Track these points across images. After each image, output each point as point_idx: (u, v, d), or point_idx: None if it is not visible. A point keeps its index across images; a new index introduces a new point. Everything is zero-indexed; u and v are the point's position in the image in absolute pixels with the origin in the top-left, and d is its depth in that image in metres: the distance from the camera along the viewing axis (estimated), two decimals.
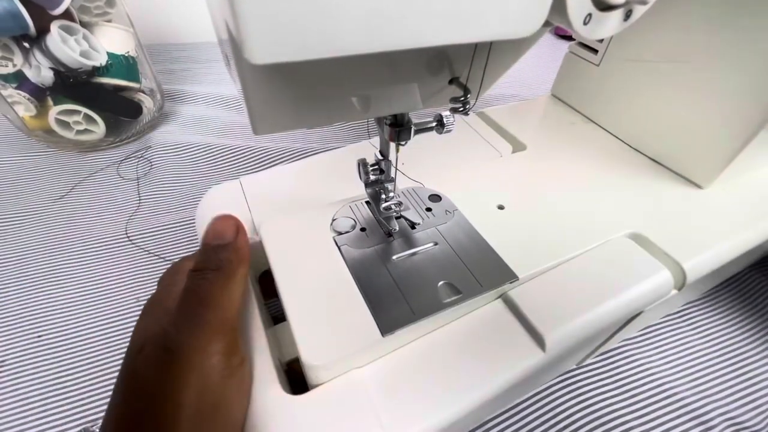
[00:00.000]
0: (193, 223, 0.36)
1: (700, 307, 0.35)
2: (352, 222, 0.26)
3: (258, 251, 0.24)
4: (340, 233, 0.25)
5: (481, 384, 0.20)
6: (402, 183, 0.28)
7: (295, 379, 0.21)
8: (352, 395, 0.19)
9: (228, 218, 0.22)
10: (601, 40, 0.35)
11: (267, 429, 0.18)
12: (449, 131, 0.21)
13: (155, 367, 0.17)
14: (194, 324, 0.18)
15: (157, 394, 0.16)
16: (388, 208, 0.24)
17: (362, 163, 0.24)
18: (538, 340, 0.21)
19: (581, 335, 0.22)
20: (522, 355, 0.21)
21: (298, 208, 0.27)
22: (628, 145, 0.34)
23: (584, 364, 0.30)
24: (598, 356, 0.31)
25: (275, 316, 0.29)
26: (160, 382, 0.17)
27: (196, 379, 0.17)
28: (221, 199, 0.29)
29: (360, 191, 0.26)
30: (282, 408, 0.18)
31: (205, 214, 0.27)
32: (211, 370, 0.17)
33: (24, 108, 0.42)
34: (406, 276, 0.23)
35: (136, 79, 0.48)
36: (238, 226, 0.22)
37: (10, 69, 0.39)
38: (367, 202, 0.27)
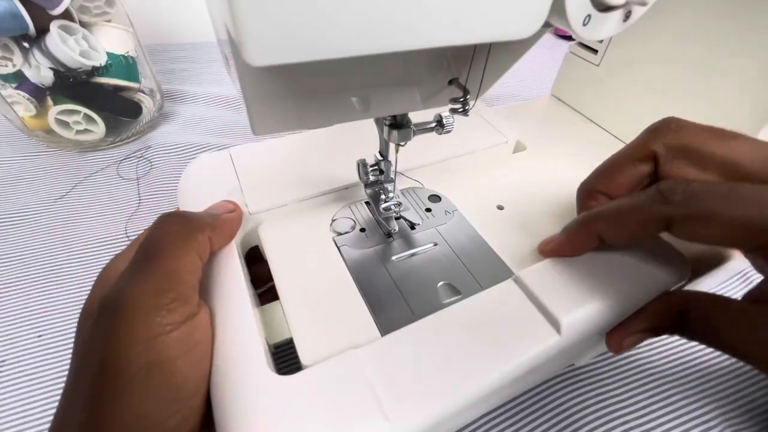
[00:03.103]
0: None
1: None
2: (352, 222, 0.26)
3: (248, 225, 0.25)
4: (339, 234, 0.25)
5: (495, 367, 0.18)
6: (402, 183, 0.28)
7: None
8: (349, 377, 0.17)
9: (229, 202, 0.23)
10: (601, 41, 0.35)
11: (254, 410, 0.16)
12: (449, 132, 0.21)
13: (99, 325, 0.16)
14: (137, 273, 0.17)
15: (104, 355, 0.16)
16: (387, 209, 0.24)
17: (362, 164, 0.24)
18: (553, 322, 0.20)
19: (597, 321, 0.20)
20: (537, 338, 0.19)
21: (289, 182, 0.26)
22: None
23: (584, 363, 0.30)
24: (598, 356, 0.31)
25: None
26: (106, 339, 0.16)
27: (140, 332, 0.16)
28: (208, 169, 0.27)
29: (352, 164, 0.25)
30: (270, 389, 0.17)
31: (190, 183, 0.26)
32: (152, 324, 0.16)
33: (24, 108, 0.42)
34: (405, 277, 0.23)
35: (136, 79, 0.48)
36: (235, 208, 0.23)
37: (9, 69, 0.39)
38: (366, 203, 0.27)
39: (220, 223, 0.21)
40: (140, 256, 0.18)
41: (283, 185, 0.26)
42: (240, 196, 0.25)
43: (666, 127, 0.21)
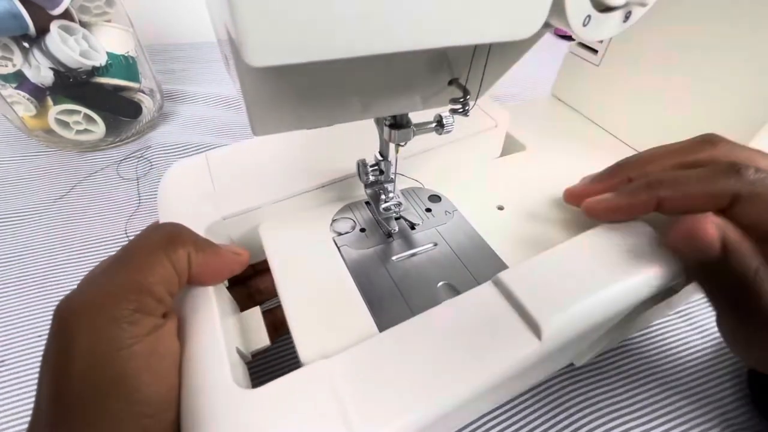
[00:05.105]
0: None
1: (700, 306, 0.35)
2: (352, 223, 0.26)
3: (222, 232, 0.24)
4: (339, 234, 0.25)
5: (469, 377, 0.17)
6: (402, 183, 0.28)
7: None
8: (315, 389, 0.16)
9: (240, 248, 0.22)
10: (601, 41, 0.35)
11: (213, 425, 0.16)
12: (449, 132, 0.21)
13: (51, 337, 0.16)
14: (100, 279, 0.17)
15: (55, 367, 0.15)
16: (387, 209, 0.24)
17: (362, 164, 0.24)
18: (534, 327, 0.18)
19: (584, 323, 0.19)
20: (515, 344, 0.18)
21: (262, 185, 0.26)
22: (628, 145, 0.34)
23: (584, 363, 0.30)
24: (598, 355, 0.31)
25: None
26: (54, 352, 0.15)
27: (87, 346, 0.15)
28: (185, 174, 0.27)
29: (322, 166, 0.26)
30: (228, 402, 0.16)
31: (168, 188, 0.26)
32: (112, 336, 0.15)
33: (24, 108, 0.42)
34: (405, 277, 0.23)
35: (136, 79, 0.48)
36: (242, 253, 0.22)
37: (10, 69, 0.39)
38: (366, 203, 0.27)
39: (210, 248, 0.20)
40: (112, 262, 0.17)
41: (258, 186, 0.25)
42: (213, 200, 0.25)
43: (719, 138, 0.22)
